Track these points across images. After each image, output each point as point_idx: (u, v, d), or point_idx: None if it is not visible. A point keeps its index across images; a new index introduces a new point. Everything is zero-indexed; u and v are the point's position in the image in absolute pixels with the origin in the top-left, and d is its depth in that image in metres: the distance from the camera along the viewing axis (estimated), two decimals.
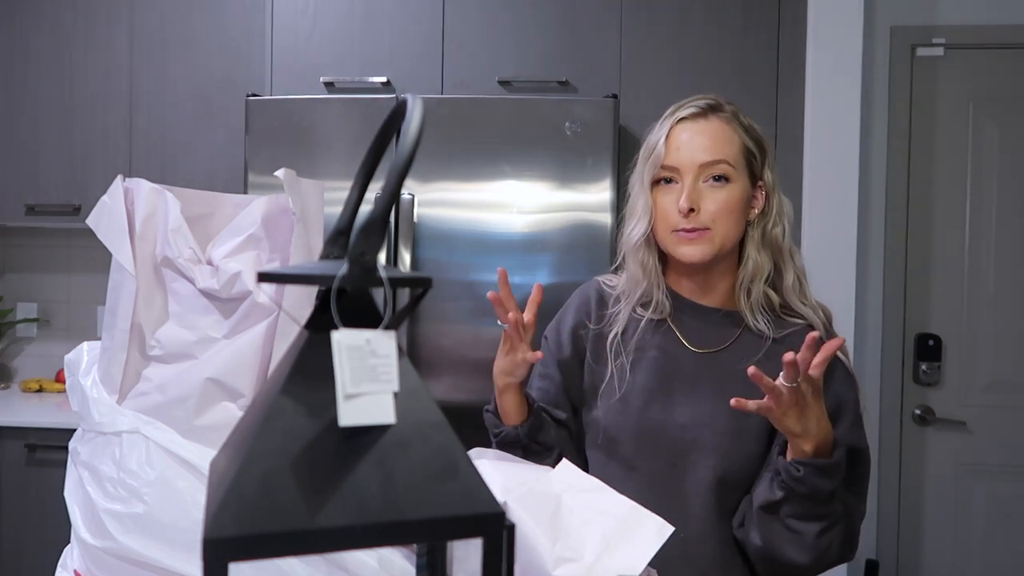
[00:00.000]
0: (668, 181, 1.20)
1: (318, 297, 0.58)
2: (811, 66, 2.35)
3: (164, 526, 0.85)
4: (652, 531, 0.88)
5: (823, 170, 2.35)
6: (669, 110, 1.23)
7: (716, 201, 1.17)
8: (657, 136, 1.21)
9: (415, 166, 0.53)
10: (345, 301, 0.54)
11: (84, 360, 1.00)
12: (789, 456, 1.07)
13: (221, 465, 0.55)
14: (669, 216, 1.19)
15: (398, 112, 0.60)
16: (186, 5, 2.79)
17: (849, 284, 2.34)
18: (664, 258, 1.25)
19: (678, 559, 1.02)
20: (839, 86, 2.33)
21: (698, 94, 1.24)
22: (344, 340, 0.52)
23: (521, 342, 1.17)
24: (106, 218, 0.96)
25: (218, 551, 0.47)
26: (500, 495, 0.86)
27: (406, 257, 2.24)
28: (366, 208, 0.56)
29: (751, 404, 1.02)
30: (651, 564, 0.86)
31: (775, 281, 1.22)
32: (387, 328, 0.54)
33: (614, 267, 1.33)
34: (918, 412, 2.64)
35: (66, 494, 0.95)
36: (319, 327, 0.54)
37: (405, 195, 2.25)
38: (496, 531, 0.52)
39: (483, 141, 2.27)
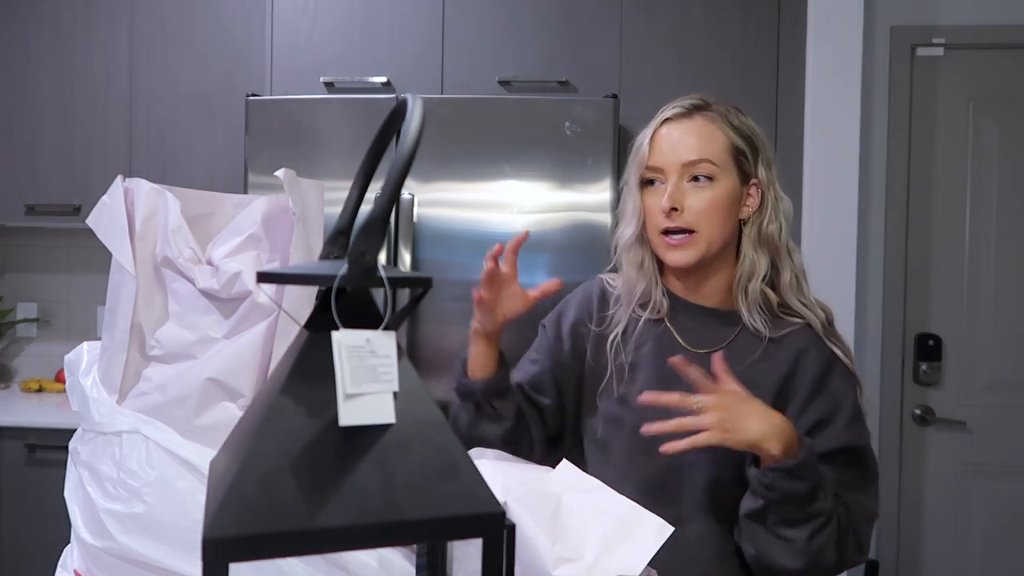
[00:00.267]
0: (654, 182, 1.20)
1: (318, 297, 0.58)
2: (811, 66, 2.35)
3: (164, 526, 0.85)
4: (652, 531, 0.88)
5: (823, 170, 2.34)
6: (659, 111, 1.23)
7: (700, 200, 1.17)
8: (643, 137, 1.22)
9: (415, 166, 0.53)
10: (345, 301, 0.54)
11: (84, 360, 1.00)
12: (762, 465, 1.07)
13: (221, 465, 0.55)
14: (655, 216, 1.19)
15: (398, 112, 0.60)
16: (186, 5, 2.79)
17: (849, 284, 2.34)
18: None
19: (678, 560, 1.02)
20: (839, 86, 2.33)
21: (693, 94, 1.24)
22: (344, 340, 0.52)
23: (492, 288, 1.16)
24: (106, 218, 0.96)
25: (218, 551, 0.47)
26: (500, 495, 0.86)
27: (406, 257, 2.24)
28: (366, 208, 0.56)
29: (682, 444, 1.03)
30: (651, 564, 0.86)
31: (773, 280, 1.21)
32: (387, 328, 0.54)
33: (609, 267, 1.33)
34: (918, 412, 2.64)
35: (66, 494, 0.95)
36: (319, 327, 0.54)
37: (405, 195, 2.25)
38: (496, 531, 0.52)
39: (483, 141, 2.27)
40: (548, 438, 1.28)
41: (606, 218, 2.20)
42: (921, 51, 2.64)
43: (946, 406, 2.64)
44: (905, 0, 2.63)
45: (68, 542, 0.95)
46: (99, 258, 2.99)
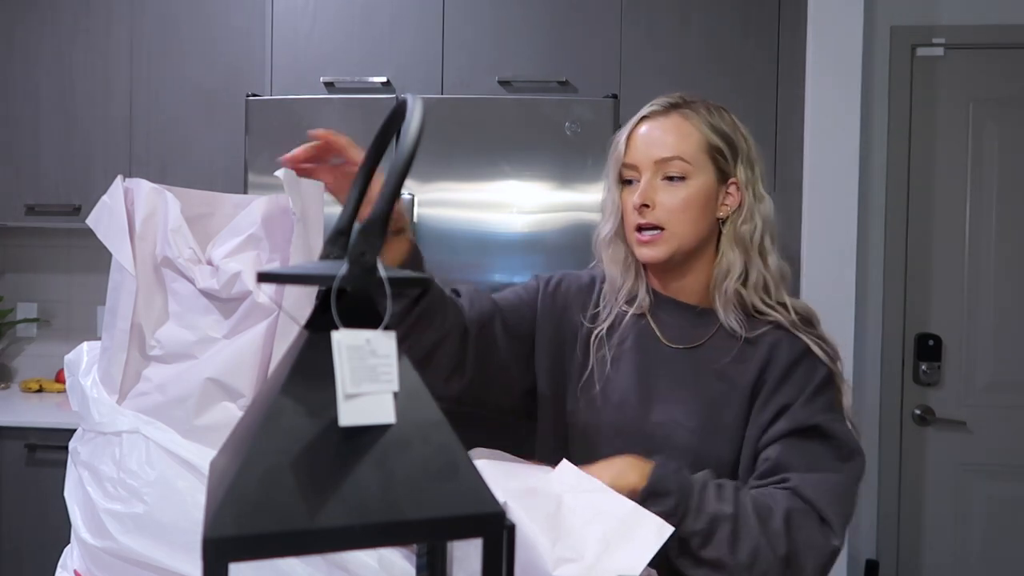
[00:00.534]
0: (631, 181, 1.21)
1: (318, 297, 0.58)
2: (811, 66, 2.35)
3: (164, 526, 0.85)
4: (652, 531, 0.88)
5: (823, 170, 2.34)
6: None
7: (672, 198, 1.17)
8: (621, 134, 1.22)
9: (415, 166, 0.53)
10: (345, 301, 0.54)
11: (84, 360, 1.00)
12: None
13: (221, 465, 0.55)
14: (629, 213, 1.19)
15: (398, 112, 0.60)
16: (186, 5, 2.79)
17: (849, 284, 2.33)
18: None
19: (655, 560, 1.01)
20: (839, 86, 2.33)
21: (677, 92, 1.23)
22: (344, 340, 0.52)
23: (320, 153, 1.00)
24: (106, 218, 0.96)
25: (218, 551, 0.47)
26: (500, 495, 0.86)
27: None
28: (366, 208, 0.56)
29: None
30: (651, 564, 0.86)
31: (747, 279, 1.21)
32: (387, 328, 0.54)
33: (592, 264, 1.32)
34: (918, 412, 2.64)
35: (66, 494, 0.95)
36: (319, 327, 0.54)
37: (405, 195, 2.25)
38: (496, 531, 0.52)
39: (483, 141, 2.27)
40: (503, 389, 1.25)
41: None
42: (921, 51, 2.64)
43: (946, 406, 2.64)
44: (905, 0, 2.63)
45: (68, 542, 0.95)
46: (99, 258, 2.99)
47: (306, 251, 0.93)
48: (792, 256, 2.40)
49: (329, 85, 2.52)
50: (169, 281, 0.95)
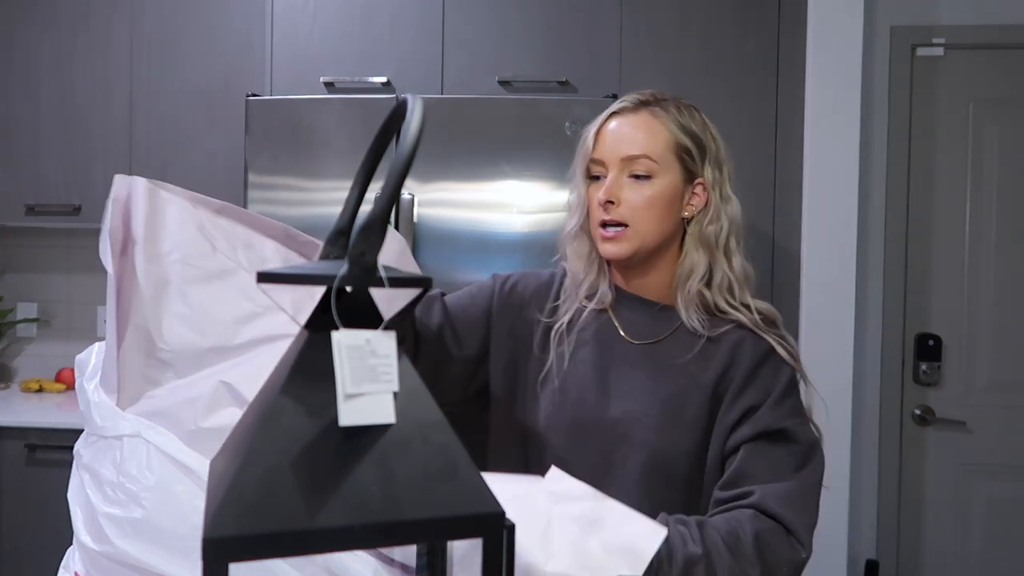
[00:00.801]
0: (598, 176, 1.20)
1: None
2: (811, 66, 2.35)
3: (162, 531, 0.84)
4: (647, 536, 0.87)
5: (823, 170, 2.34)
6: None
7: (637, 196, 1.17)
8: (590, 129, 1.23)
9: (415, 166, 0.53)
10: (345, 301, 0.54)
11: (92, 362, 0.99)
12: None
13: (221, 465, 0.55)
14: (594, 209, 1.19)
15: (398, 112, 0.60)
16: (186, 5, 2.79)
17: (849, 284, 2.33)
18: None
19: None
20: (839, 86, 2.33)
21: (648, 90, 1.23)
22: (344, 340, 0.52)
23: None
24: (110, 218, 0.96)
25: (218, 551, 0.47)
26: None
27: None
28: (366, 208, 0.56)
29: None
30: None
31: (710, 280, 1.21)
32: (387, 328, 0.54)
33: (556, 257, 1.31)
34: (918, 412, 2.64)
35: (69, 496, 0.95)
36: (319, 327, 0.54)
37: (405, 195, 2.25)
38: (496, 531, 0.52)
39: (483, 141, 2.27)
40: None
41: None
42: (921, 51, 2.64)
43: (946, 406, 2.64)
44: (905, 0, 2.63)
45: (68, 542, 0.95)
46: (99, 258, 2.99)
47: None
48: (792, 256, 2.40)
49: (329, 85, 2.52)
50: (176, 282, 0.95)
